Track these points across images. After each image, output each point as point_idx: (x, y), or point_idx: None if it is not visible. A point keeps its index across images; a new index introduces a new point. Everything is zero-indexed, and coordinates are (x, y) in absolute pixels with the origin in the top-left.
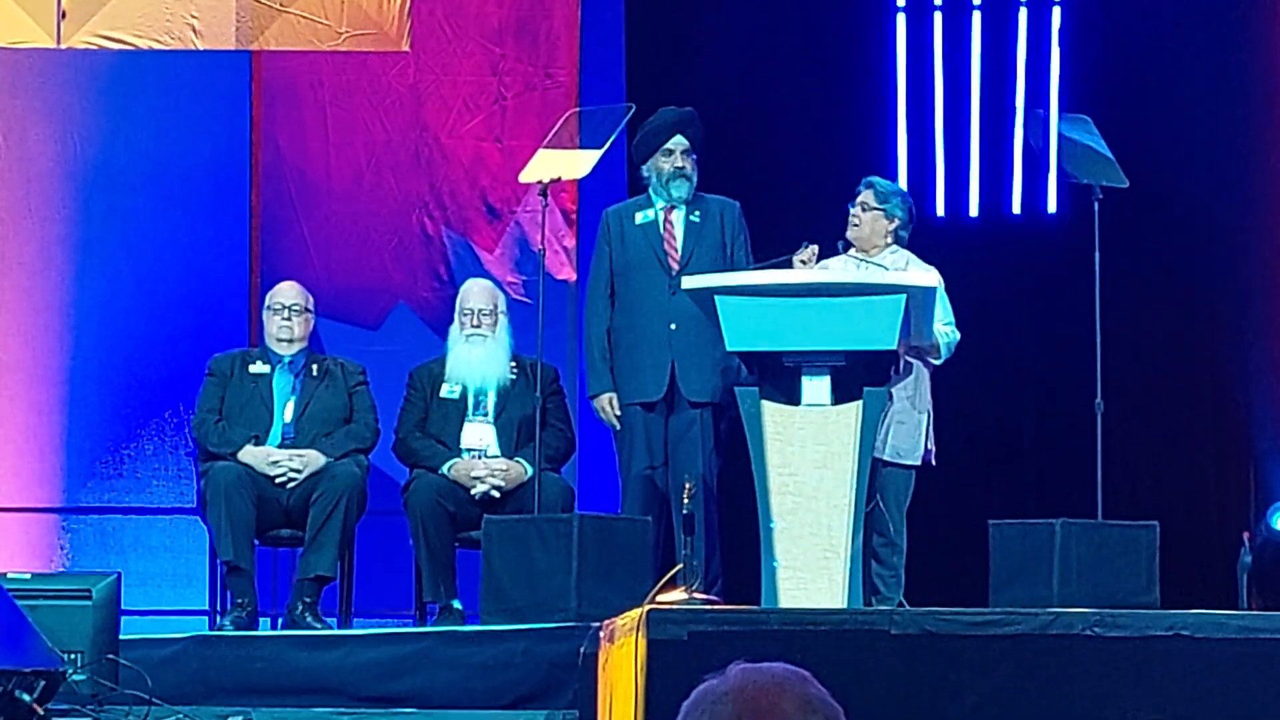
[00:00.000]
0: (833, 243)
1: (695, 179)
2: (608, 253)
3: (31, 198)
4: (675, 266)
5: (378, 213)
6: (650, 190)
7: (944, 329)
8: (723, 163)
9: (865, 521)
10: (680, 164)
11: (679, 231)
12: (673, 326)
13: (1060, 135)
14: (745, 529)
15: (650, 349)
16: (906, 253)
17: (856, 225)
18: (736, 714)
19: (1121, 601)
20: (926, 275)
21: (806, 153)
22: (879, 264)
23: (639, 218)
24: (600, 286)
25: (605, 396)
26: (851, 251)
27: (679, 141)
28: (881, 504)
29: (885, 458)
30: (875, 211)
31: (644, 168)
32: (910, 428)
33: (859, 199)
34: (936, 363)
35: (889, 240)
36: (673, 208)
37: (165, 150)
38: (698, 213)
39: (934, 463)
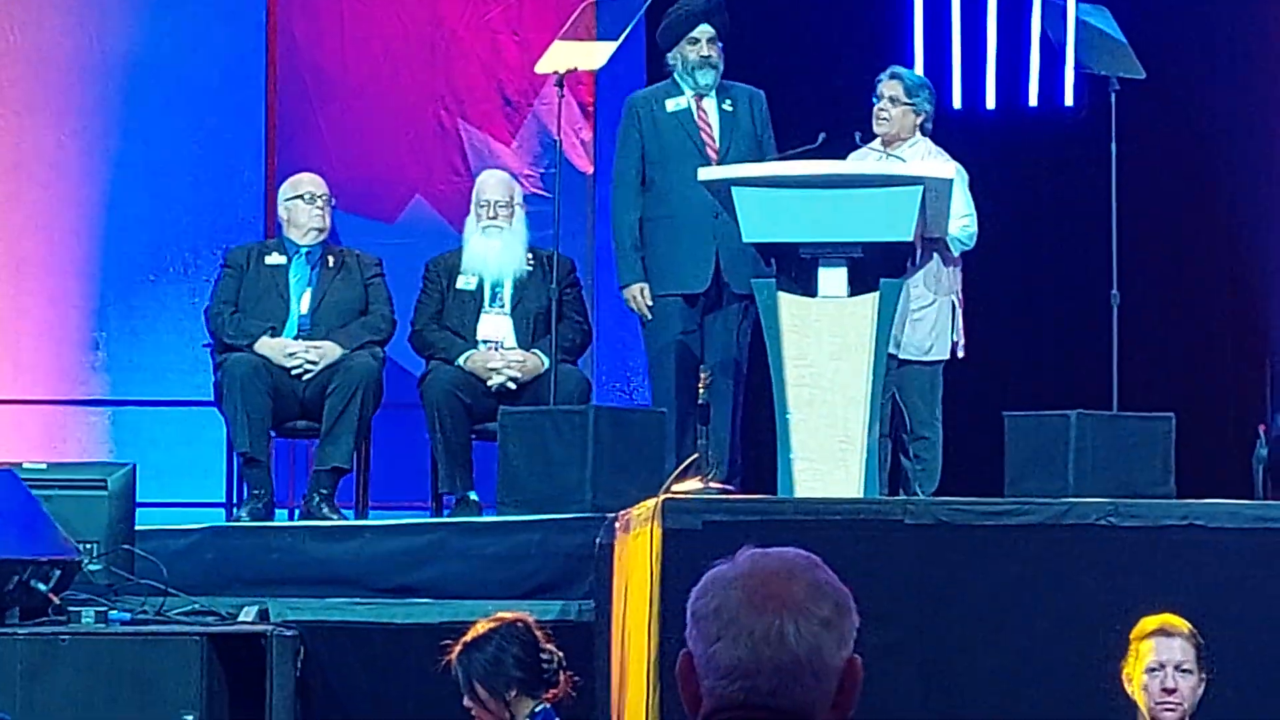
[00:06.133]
0: (848, 133)
1: (721, 68)
2: (638, 140)
3: (48, 92)
4: (714, 156)
5: (394, 106)
6: (675, 77)
7: (962, 221)
8: (739, 52)
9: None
10: (706, 52)
11: (714, 120)
12: (716, 216)
13: (1078, 25)
14: (766, 421)
15: (692, 239)
16: (927, 142)
17: (886, 120)
18: (746, 598)
19: (1137, 493)
20: (943, 166)
21: (822, 44)
22: (898, 156)
23: (670, 105)
24: (630, 175)
25: (637, 286)
26: (872, 144)
27: (705, 29)
28: (901, 401)
29: (903, 356)
30: (904, 106)
31: (669, 55)
32: (928, 323)
33: (885, 93)
34: (954, 254)
35: (914, 133)
36: (703, 96)
37: (182, 44)
38: (729, 101)
39: (961, 355)
